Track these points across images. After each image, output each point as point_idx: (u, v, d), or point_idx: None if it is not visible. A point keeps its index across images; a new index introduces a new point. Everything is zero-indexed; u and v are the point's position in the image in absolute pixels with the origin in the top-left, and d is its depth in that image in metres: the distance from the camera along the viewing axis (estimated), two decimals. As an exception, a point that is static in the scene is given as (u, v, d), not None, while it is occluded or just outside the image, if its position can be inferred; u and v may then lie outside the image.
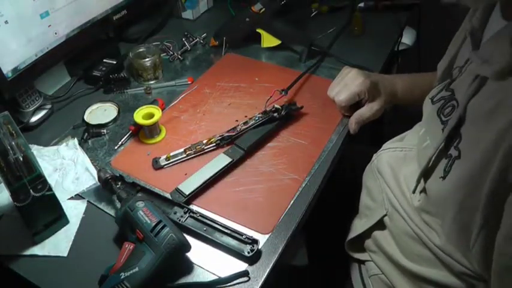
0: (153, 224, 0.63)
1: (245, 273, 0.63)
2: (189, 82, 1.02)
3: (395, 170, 0.71)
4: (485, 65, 0.50)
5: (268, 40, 1.08)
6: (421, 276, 0.63)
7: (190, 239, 0.65)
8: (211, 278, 0.65)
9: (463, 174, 0.50)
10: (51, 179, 0.79)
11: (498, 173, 0.45)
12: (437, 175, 0.56)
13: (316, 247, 0.99)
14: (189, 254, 0.66)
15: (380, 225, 0.72)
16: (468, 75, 0.55)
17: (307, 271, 0.96)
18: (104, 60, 1.05)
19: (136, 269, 0.60)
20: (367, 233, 0.75)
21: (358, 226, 0.77)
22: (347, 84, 0.84)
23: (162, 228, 0.62)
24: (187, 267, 0.66)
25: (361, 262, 0.80)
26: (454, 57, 0.67)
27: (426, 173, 0.59)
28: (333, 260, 0.89)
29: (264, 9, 1.06)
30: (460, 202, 0.51)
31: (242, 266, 0.66)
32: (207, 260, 0.67)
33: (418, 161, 0.64)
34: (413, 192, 0.63)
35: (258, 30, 1.08)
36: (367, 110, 0.84)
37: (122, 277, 0.59)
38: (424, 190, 0.61)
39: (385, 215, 0.70)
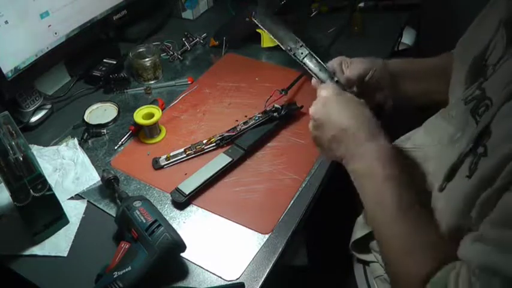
0: (149, 223, 0.63)
1: (241, 286, 0.63)
2: (189, 82, 1.02)
3: None
4: None
5: (268, 40, 1.08)
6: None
7: (189, 239, 0.65)
8: (211, 278, 0.65)
9: (486, 173, 0.49)
10: (51, 179, 0.79)
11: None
12: (462, 174, 0.54)
13: (316, 247, 0.99)
14: (188, 254, 0.66)
15: None
16: (504, 75, 0.52)
17: (307, 271, 0.96)
18: (104, 60, 1.05)
19: (130, 268, 0.60)
20: (372, 234, 0.74)
21: (362, 226, 0.76)
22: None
23: (157, 227, 0.62)
24: (186, 267, 0.66)
25: (366, 263, 0.80)
26: (484, 51, 0.61)
27: (452, 172, 0.57)
28: (333, 260, 0.89)
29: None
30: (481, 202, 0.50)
31: (241, 268, 0.66)
32: (206, 260, 0.67)
33: (443, 160, 0.61)
34: (441, 190, 0.60)
35: (258, 30, 1.08)
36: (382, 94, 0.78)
37: (115, 276, 0.59)
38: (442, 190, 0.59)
39: None
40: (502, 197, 0.46)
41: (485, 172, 0.49)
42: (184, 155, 0.82)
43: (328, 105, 0.66)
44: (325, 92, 0.68)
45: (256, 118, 0.86)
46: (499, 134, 0.49)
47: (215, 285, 0.64)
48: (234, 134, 0.84)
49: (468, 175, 0.52)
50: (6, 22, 0.79)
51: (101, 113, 0.95)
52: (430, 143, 0.68)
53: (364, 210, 0.74)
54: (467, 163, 0.53)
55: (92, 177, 0.80)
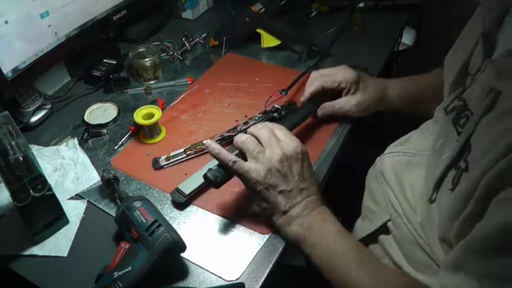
0: (149, 223, 0.63)
1: (241, 286, 0.63)
2: (189, 82, 1.02)
3: (399, 175, 0.70)
4: (501, 80, 0.48)
5: (268, 40, 1.08)
6: (425, 285, 0.63)
7: (189, 239, 0.65)
8: (211, 278, 0.65)
9: (468, 188, 0.49)
10: (51, 179, 0.79)
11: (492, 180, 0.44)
12: (446, 187, 0.55)
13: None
14: (188, 254, 0.66)
15: (384, 229, 0.72)
16: (481, 86, 0.53)
17: (307, 271, 0.96)
18: (104, 60, 1.05)
19: (130, 268, 0.60)
20: (371, 237, 0.74)
21: (362, 229, 0.77)
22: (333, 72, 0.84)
23: (157, 227, 0.62)
24: (186, 267, 0.66)
25: None
26: (467, 63, 0.63)
27: (438, 184, 0.58)
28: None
29: (264, 9, 1.06)
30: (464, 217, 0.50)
31: (241, 269, 0.66)
32: (206, 260, 0.67)
33: (431, 170, 0.62)
34: (431, 202, 0.61)
35: (258, 30, 1.08)
36: (343, 101, 0.84)
37: (115, 276, 0.59)
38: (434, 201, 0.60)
39: (389, 220, 0.70)
40: (476, 225, 0.46)
41: (465, 188, 0.49)
42: (184, 155, 0.82)
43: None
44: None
45: (257, 118, 0.86)
46: (477, 148, 0.50)
47: (215, 285, 0.64)
48: (234, 134, 0.84)
49: (451, 188, 0.53)
50: (6, 22, 0.79)
51: (101, 113, 0.95)
52: (425, 148, 0.68)
53: (363, 213, 0.74)
54: (451, 176, 0.54)
55: (92, 177, 0.80)
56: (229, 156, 0.65)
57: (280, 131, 0.68)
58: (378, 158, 0.78)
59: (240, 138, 0.67)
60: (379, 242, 0.73)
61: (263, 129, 0.67)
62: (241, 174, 0.65)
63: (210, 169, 0.68)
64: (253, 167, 0.64)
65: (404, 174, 0.69)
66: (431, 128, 0.72)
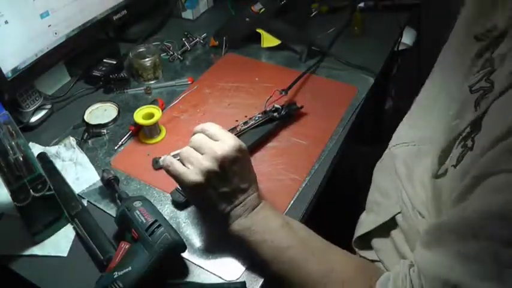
0: (149, 223, 0.63)
1: (242, 285, 0.63)
2: (189, 82, 1.02)
3: (410, 167, 0.69)
4: None
5: (268, 40, 1.08)
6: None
7: (189, 239, 0.65)
8: (211, 278, 0.65)
9: (467, 166, 0.48)
10: (51, 179, 0.79)
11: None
12: (450, 163, 0.54)
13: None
14: (188, 254, 0.66)
15: (392, 223, 0.71)
16: (508, 68, 0.51)
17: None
18: (104, 60, 1.05)
19: (130, 268, 0.59)
20: (376, 231, 0.73)
21: (367, 222, 0.76)
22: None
23: (157, 227, 0.62)
24: (187, 267, 0.66)
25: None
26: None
27: (443, 160, 0.57)
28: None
29: (264, 9, 1.07)
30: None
31: (241, 268, 0.66)
32: (206, 260, 0.67)
33: (441, 146, 0.59)
34: (436, 177, 0.60)
35: (258, 30, 1.08)
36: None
37: (115, 276, 0.59)
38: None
39: (399, 213, 0.69)
40: (461, 205, 0.46)
41: (466, 166, 0.48)
42: (184, 155, 0.82)
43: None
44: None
45: (257, 118, 0.86)
46: (486, 128, 0.49)
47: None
48: (234, 134, 0.84)
49: (454, 164, 0.52)
50: (6, 22, 0.79)
51: (101, 113, 0.95)
52: (428, 138, 0.67)
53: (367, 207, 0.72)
54: (457, 153, 0.53)
55: (92, 177, 0.80)
56: (168, 161, 0.64)
57: (214, 130, 0.64)
58: (387, 149, 0.77)
59: (167, 161, 0.64)
60: (383, 235, 0.72)
61: (194, 137, 0.65)
62: (176, 176, 0.63)
63: (176, 188, 0.69)
64: (190, 170, 0.61)
65: (414, 165, 0.68)
66: (421, 116, 0.71)
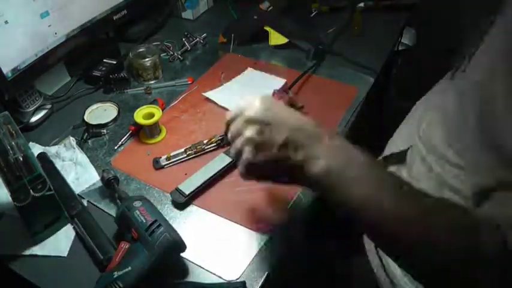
0: (149, 223, 0.63)
1: (242, 285, 0.63)
2: (189, 82, 1.02)
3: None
4: None
5: (276, 38, 1.09)
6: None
7: (189, 239, 0.65)
8: (211, 278, 0.65)
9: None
10: (51, 179, 0.79)
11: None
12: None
13: (317, 246, 0.99)
14: (188, 254, 0.66)
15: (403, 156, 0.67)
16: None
17: (309, 268, 0.96)
18: (104, 60, 1.05)
19: (130, 268, 0.60)
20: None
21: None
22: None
23: (157, 227, 0.62)
24: (186, 267, 0.66)
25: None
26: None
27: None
28: (334, 259, 0.89)
29: (272, 7, 1.08)
30: None
31: (241, 268, 0.66)
32: (206, 260, 0.67)
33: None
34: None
35: (266, 28, 1.09)
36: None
37: (115, 276, 0.59)
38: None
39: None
40: None
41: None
42: (185, 155, 0.82)
43: (272, 106, 0.54)
44: (263, 98, 0.55)
45: (257, 118, 0.86)
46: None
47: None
48: (234, 134, 0.84)
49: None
50: (6, 22, 0.79)
51: (100, 113, 0.95)
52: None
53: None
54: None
55: (92, 177, 0.80)
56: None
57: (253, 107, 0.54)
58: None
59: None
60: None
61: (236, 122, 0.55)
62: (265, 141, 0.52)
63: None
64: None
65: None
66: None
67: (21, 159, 0.65)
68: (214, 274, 0.65)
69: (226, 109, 0.92)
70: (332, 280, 0.88)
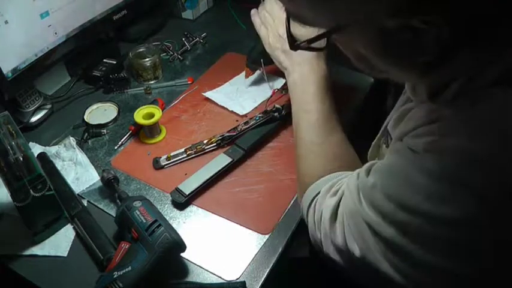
0: (149, 223, 0.63)
1: (242, 285, 0.63)
2: (189, 82, 1.02)
3: None
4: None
5: None
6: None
7: (190, 239, 0.65)
8: (211, 278, 0.65)
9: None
10: (51, 179, 0.79)
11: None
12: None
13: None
14: (188, 254, 0.66)
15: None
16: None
17: (311, 262, 0.96)
18: (104, 60, 1.05)
19: (130, 268, 0.60)
20: None
21: None
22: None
23: (157, 227, 0.62)
24: (186, 267, 0.66)
25: None
26: None
27: None
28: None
29: None
30: None
31: (241, 268, 0.66)
32: (206, 260, 0.67)
33: None
34: None
35: None
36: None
37: (115, 276, 0.59)
38: None
39: None
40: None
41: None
42: (185, 155, 0.82)
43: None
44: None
45: (257, 118, 0.86)
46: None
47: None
48: (234, 134, 0.84)
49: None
50: (6, 22, 0.79)
51: (101, 113, 0.95)
52: None
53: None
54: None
55: (92, 177, 0.80)
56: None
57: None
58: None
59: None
60: None
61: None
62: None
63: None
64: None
65: None
66: None
67: (21, 159, 0.65)
68: (214, 274, 0.65)
69: (226, 109, 0.93)
70: (332, 280, 0.89)
